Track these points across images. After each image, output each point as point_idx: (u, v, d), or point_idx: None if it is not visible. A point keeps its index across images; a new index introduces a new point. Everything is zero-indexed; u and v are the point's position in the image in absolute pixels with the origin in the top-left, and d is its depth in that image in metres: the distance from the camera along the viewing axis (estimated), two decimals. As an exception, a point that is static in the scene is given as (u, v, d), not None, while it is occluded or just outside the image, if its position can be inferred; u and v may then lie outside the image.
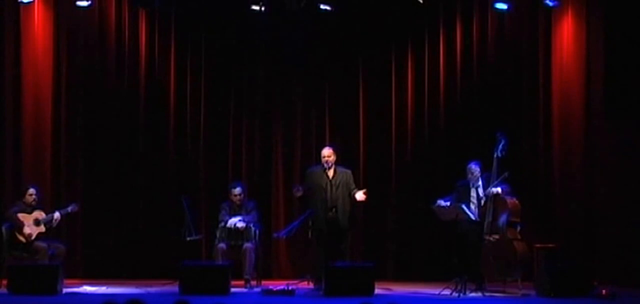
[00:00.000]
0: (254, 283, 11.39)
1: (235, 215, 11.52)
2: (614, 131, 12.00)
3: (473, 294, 10.55)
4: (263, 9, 12.36)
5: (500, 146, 10.79)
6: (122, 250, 12.63)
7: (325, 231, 11.13)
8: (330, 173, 11.28)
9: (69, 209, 11.43)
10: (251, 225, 11.43)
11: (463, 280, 10.48)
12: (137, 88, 12.87)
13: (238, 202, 11.65)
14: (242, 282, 11.21)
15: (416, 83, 12.94)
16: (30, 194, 11.34)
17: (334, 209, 11.15)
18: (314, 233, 11.33)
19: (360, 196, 11.21)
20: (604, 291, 10.25)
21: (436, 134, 12.82)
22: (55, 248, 11.26)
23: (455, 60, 12.79)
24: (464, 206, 10.76)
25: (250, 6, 12.44)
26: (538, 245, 11.44)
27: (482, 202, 10.95)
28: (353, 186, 11.34)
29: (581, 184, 12.19)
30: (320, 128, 13.03)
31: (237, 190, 11.70)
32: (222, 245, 11.33)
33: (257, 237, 11.46)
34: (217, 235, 11.43)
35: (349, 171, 11.45)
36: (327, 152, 11.35)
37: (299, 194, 11.43)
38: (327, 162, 11.26)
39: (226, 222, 11.46)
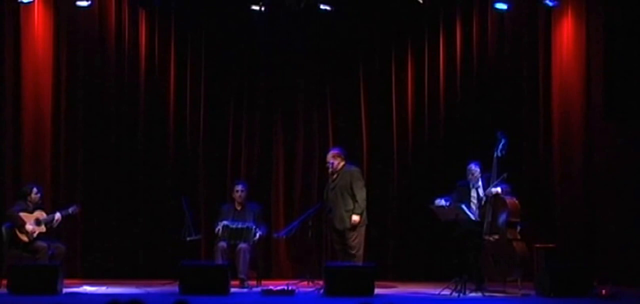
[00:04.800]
0: (253, 283, 11.39)
1: (234, 219, 11.47)
2: (614, 131, 12.00)
3: (473, 294, 10.55)
4: (263, 9, 12.37)
5: (501, 146, 10.79)
6: (122, 250, 12.64)
7: (324, 231, 11.15)
8: (334, 176, 11.40)
9: (70, 210, 11.42)
10: (252, 226, 11.41)
11: (463, 280, 10.48)
12: (137, 88, 12.87)
13: (239, 200, 11.64)
14: (237, 282, 11.15)
15: (416, 83, 12.94)
16: (35, 193, 11.35)
17: (330, 211, 11.28)
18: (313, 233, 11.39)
19: (354, 219, 11.22)
20: (604, 291, 10.24)
21: (436, 134, 12.82)
22: (55, 248, 11.26)
23: (455, 60, 12.79)
24: (463, 206, 10.76)
25: (250, 6, 12.44)
26: (538, 245, 11.43)
27: (482, 202, 10.95)
28: (357, 184, 11.27)
29: (581, 184, 12.20)
30: (321, 128, 13.03)
31: (239, 187, 11.69)
32: (222, 244, 11.33)
33: (256, 239, 11.42)
34: (219, 234, 11.41)
35: (353, 170, 11.44)
36: (327, 156, 11.49)
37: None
38: (328, 165, 11.36)
39: (217, 227, 11.44)
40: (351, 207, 11.26)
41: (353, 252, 11.22)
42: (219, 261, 11.17)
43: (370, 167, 12.80)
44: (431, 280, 11.75)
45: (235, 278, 11.11)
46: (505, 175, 10.76)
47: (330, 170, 11.40)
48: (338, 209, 11.31)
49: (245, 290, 11.09)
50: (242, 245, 11.24)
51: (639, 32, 11.80)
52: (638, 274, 11.52)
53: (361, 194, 11.30)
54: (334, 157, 11.43)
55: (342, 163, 11.44)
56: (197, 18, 12.95)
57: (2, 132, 12.37)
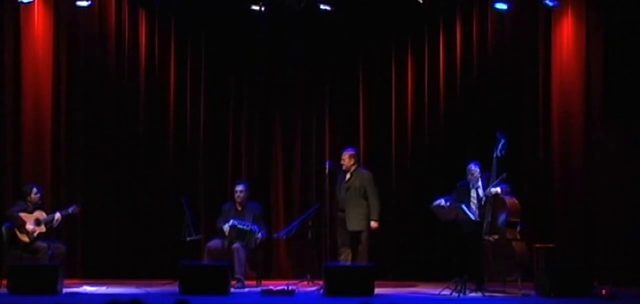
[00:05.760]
0: (252, 283, 11.39)
1: (235, 219, 11.48)
2: (614, 130, 12.00)
3: (473, 294, 10.55)
4: (263, 9, 12.37)
5: (500, 146, 10.79)
6: (122, 250, 12.63)
7: (329, 230, 11.50)
8: (347, 176, 11.53)
9: (70, 210, 11.43)
10: (256, 229, 11.40)
11: (463, 280, 10.48)
12: (137, 88, 12.87)
13: (239, 200, 11.64)
14: (234, 282, 11.11)
15: (416, 83, 12.94)
16: (35, 194, 11.35)
17: (342, 211, 11.47)
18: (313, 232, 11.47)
19: (373, 225, 11.44)
20: (604, 291, 10.25)
21: (436, 134, 12.81)
22: (55, 248, 11.26)
23: (455, 60, 12.78)
24: (463, 206, 10.75)
25: (250, 6, 12.44)
26: (538, 245, 11.43)
27: (482, 202, 10.95)
28: (372, 189, 11.46)
29: (581, 184, 12.20)
30: (320, 128, 13.03)
31: (240, 187, 11.70)
32: (211, 243, 11.37)
33: (257, 241, 11.42)
34: (227, 234, 11.40)
35: (366, 174, 11.62)
36: (342, 155, 11.60)
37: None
38: (342, 165, 11.52)
39: (221, 225, 11.44)
40: (364, 210, 11.40)
41: (362, 252, 11.38)
42: (206, 261, 11.20)
43: (369, 166, 12.75)
44: (431, 280, 11.75)
45: (232, 277, 11.10)
46: (504, 175, 10.76)
47: (342, 168, 11.53)
48: (352, 211, 11.44)
49: (245, 290, 11.09)
50: (236, 245, 11.24)
51: (639, 32, 11.79)
52: (638, 274, 11.51)
53: (377, 201, 11.47)
54: (350, 157, 11.56)
55: (355, 165, 11.56)
56: (197, 18, 12.94)
57: (2, 132, 12.36)
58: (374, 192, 11.49)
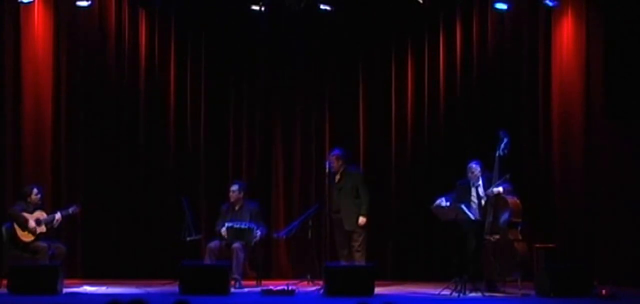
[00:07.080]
0: (253, 282, 11.38)
1: (232, 219, 11.48)
2: (614, 131, 12.00)
3: (473, 294, 10.55)
4: (263, 9, 12.37)
5: (503, 145, 10.79)
6: (122, 250, 12.63)
7: (324, 231, 11.51)
8: (337, 178, 11.62)
9: (70, 210, 11.43)
10: (254, 227, 11.41)
11: (463, 280, 10.48)
12: (137, 88, 12.87)
13: (233, 200, 11.64)
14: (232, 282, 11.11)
15: (416, 83, 12.94)
16: (36, 194, 11.35)
17: (337, 212, 11.57)
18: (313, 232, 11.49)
19: (361, 220, 11.48)
20: (604, 291, 10.25)
21: (436, 133, 12.81)
22: (55, 248, 11.26)
23: (455, 60, 12.78)
24: (463, 206, 10.75)
25: (250, 6, 12.44)
26: (538, 245, 11.43)
27: (483, 201, 10.95)
28: (363, 187, 11.57)
29: (581, 184, 12.19)
30: (320, 128, 13.03)
31: (234, 187, 11.71)
32: (211, 244, 11.38)
33: (257, 239, 11.43)
34: (225, 236, 11.41)
35: (356, 173, 11.76)
36: (329, 158, 11.71)
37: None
38: (331, 167, 11.57)
39: (219, 228, 11.45)
40: (359, 208, 11.50)
41: (358, 251, 11.43)
42: (208, 261, 11.19)
43: (369, 166, 12.79)
44: (431, 280, 11.76)
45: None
46: (507, 175, 10.75)
47: (331, 171, 11.57)
48: (347, 211, 11.56)
49: (244, 290, 11.09)
50: (236, 245, 11.24)
51: (639, 32, 11.79)
52: (638, 274, 11.51)
53: (368, 197, 11.55)
54: (337, 159, 11.63)
55: (343, 165, 11.59)
56: (197, 18, 12.95)
57: (2, 132, 12.36)
58: (365, 189, 11.60)
